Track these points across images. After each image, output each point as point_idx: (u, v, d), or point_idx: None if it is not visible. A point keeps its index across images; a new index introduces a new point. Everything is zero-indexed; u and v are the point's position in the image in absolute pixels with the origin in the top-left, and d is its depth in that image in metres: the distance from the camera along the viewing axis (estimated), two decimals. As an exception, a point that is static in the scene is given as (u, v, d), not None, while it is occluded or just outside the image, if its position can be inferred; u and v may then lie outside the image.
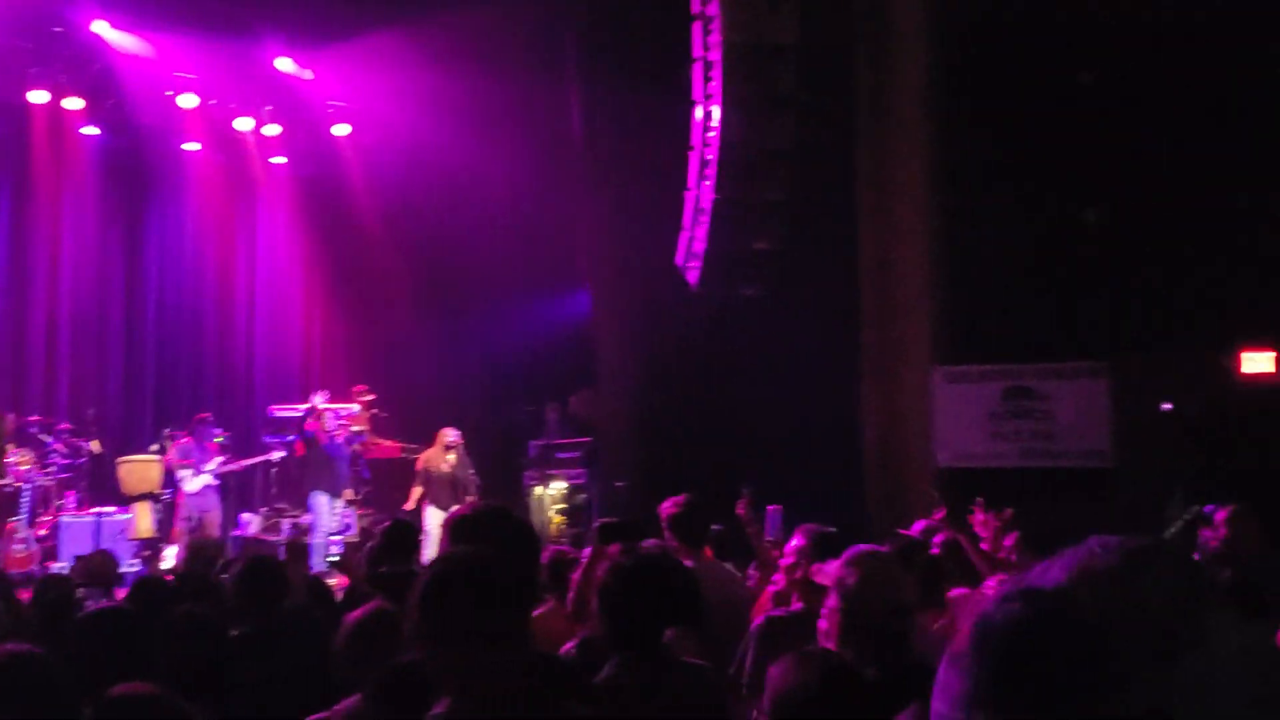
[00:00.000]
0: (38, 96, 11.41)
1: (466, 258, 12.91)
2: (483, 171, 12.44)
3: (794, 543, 3.71)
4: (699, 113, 9.85)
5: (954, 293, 9.57)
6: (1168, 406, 9.55)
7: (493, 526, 2.63)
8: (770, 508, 5.84)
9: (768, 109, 9.30)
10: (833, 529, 3.74)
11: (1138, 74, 9.06)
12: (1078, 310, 9.53)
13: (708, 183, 9.59)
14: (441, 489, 10.34)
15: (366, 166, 13.20)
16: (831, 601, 2.76)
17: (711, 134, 9.57)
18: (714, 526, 5.35)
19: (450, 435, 10.57)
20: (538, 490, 12.02)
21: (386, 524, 6.55)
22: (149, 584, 4.96)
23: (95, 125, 12.19)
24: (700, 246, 9.73)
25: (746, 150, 9.32)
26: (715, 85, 9.37)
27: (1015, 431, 9.50)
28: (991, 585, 4.16)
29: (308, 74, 12.37)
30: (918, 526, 5.89)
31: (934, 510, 5.62)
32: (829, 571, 2.92)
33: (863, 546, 2.97)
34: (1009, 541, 4.93)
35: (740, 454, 9.39)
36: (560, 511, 11.99)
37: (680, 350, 10.63)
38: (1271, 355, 9.47)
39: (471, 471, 10.85)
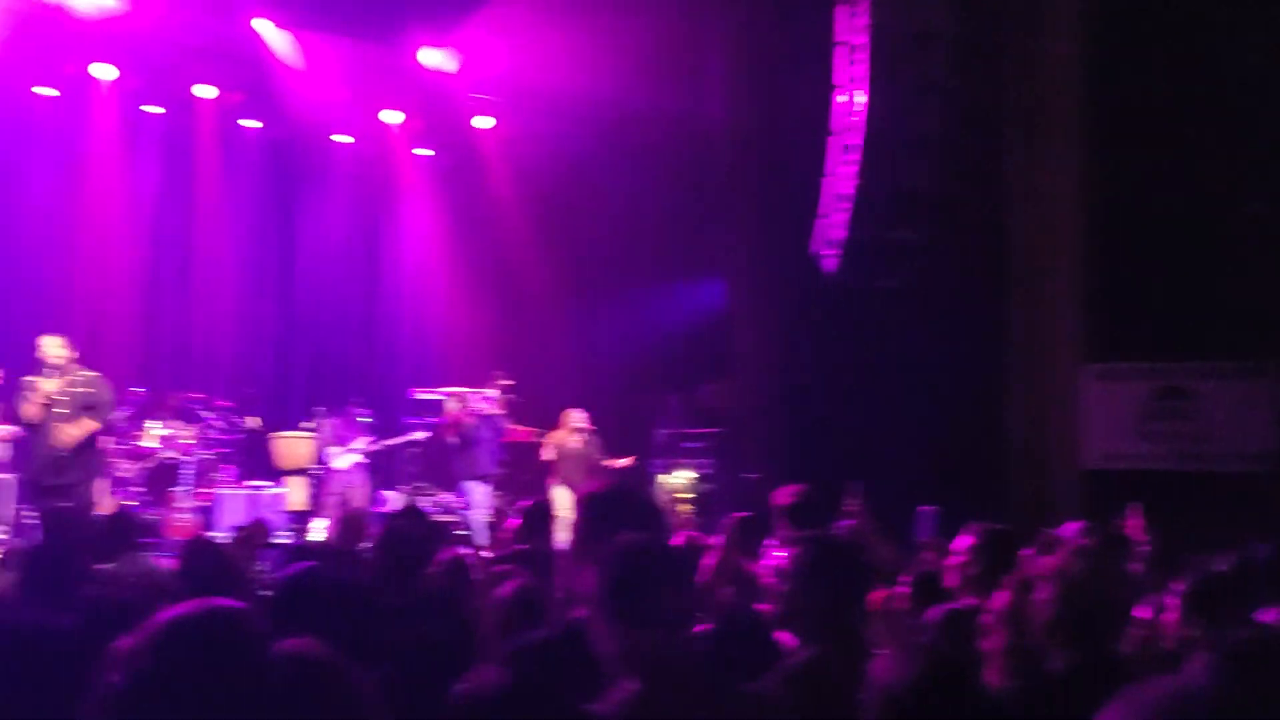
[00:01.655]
0: (204, 91, 12.07)
1: (602, 246, 13.07)
2: (620, 159, 12.58)
3: (965, 540, 3.77)
4: (841, 97, 9.73)
5: (1105, 288, 9.24)
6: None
7: (625, 505, 2.61)
8: (922, 509, 5.77)
9: (916, 95, 9.13)
10: (1003, 526, 3.77)
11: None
12: (1234, 307, 9.09)
13: (849, 169, 9.47)
14: (574, 470, 10.54)
15: (507, 157, 13.45)
16: (1045, 593, 2.75)
17: (854, 119, 9.44)
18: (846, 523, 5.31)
19: (577, 417, 10.79)
20: (663, 478, 12.12)
21: (527, 505, 6.76)
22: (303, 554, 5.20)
23: (254, 118, 12.84)
24: (838, 234, 9.61)
25: (892, 137, 9.18)
26: (860, 70, 9.25)
27: (1167, 432, 9.14)
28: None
29: (452, 63, 12.66)
30: (1069, 529, 5.73)
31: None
32: (1046, 561, 2.92)
33: (1076, 538, 2.96)
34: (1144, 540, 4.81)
35: (877, 451, 9.26)
36: (686, 500, 12.06)
37: (817, 342, 10.52)
38: None
39: (601, 455, 11.04)
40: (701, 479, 12.01)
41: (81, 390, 7.86)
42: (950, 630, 3.35)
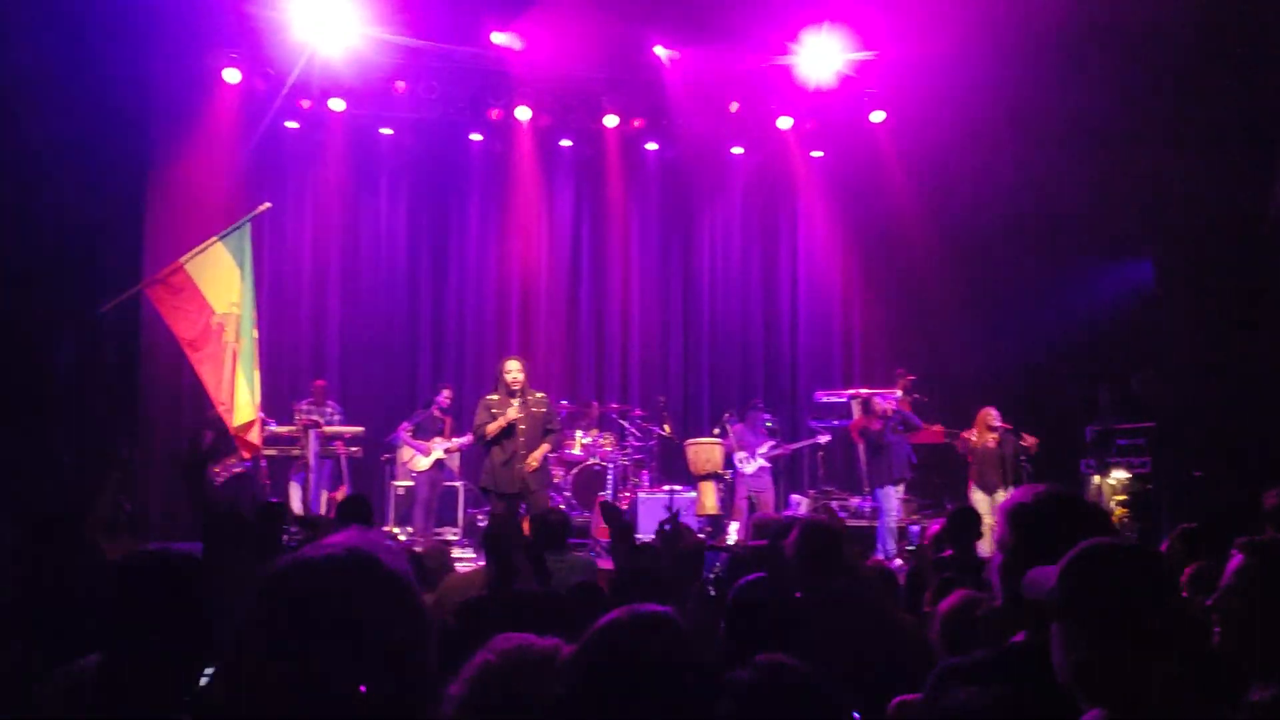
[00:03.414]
0: (610, 121, 12.87)
1: (1006, 232, 12.30)
2: (1023, 141, 11.77)
3: None
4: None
5: None
6: None
7: (1062, 517, 2.25)
8: None
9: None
10: None
11: None
12: None
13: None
14: (988, 471, 10.02)
15: (899, 149, 13.07)
16: None
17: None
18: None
19: (993, 415, 10.24)
20: (1096, 479, 11.16)
21: (951, 510, 6.51)
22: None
23: (654, 140, 13.53)
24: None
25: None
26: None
27: None
28: None
29: (840, 60, 12.50)
30: None
31: None
32: None
33: None
34: None
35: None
36: (1122, 503, 11.03)
37: (1268, 321, 9.19)
38: None
39: (1022, 457, 10.38)
40: (1139, 479, 10.94)
41: (538, 410, 8.72)
42: None
